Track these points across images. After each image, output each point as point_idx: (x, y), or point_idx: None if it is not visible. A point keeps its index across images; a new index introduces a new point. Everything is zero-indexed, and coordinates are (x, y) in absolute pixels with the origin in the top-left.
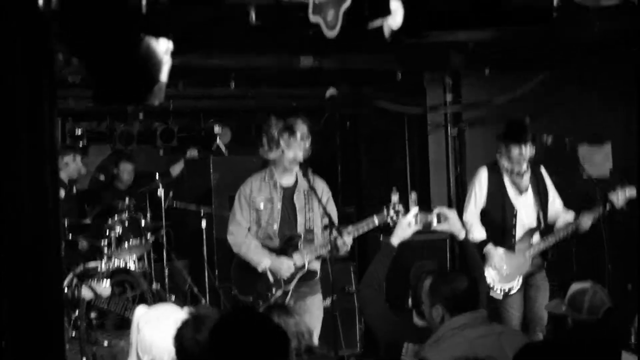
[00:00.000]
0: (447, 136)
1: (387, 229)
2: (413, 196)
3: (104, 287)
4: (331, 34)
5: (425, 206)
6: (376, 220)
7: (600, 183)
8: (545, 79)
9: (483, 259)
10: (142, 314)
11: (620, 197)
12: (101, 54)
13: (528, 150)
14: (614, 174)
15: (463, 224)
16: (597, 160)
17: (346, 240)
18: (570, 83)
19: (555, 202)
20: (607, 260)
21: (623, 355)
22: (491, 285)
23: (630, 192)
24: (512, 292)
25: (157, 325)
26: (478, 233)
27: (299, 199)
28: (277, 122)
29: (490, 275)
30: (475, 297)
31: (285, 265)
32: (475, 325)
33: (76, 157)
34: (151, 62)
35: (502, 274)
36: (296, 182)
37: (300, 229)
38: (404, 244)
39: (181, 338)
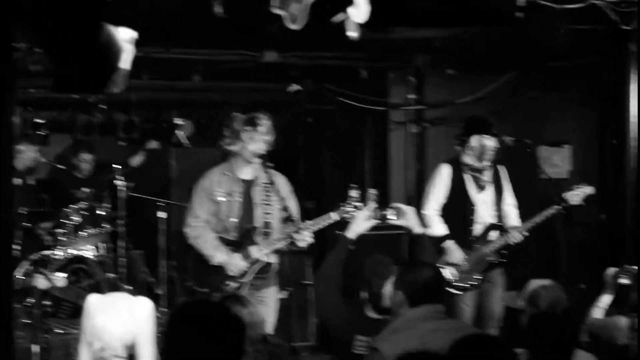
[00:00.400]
0: (408, 134)
1: (344, 223)
2: (372, 193)
3: (60, 277)
4: (294, 27)
5: (384, 203)
6: (334, 216)
7: (559, 184)
8: (509, 81)
9: (442, 253)
10: (93, 301)
11: (576, 194)
12: (62, 43)
13: (492, 144)
14: (572, 175)
15: (422, 219)
16: (556, 162)
17: (305, 235)
18: (533, 85)
19: (508, 200)
20: (561, 260)
21: (577, 353)
22: (451, 281)
23: (587, 189)
24: (472, 287)
25: (109, 313)
26: (438, 228)
27: (257, 193)
28: (241, 116)
29: (449, 271)
30: (437, 290)
31: (236, 266)
32: (431, 319)
33: (30, 146)
34: (112, 51)
35: (460, 269)
36: (255, 176)
37: (258, 222)
38: (360, 239)
39: None
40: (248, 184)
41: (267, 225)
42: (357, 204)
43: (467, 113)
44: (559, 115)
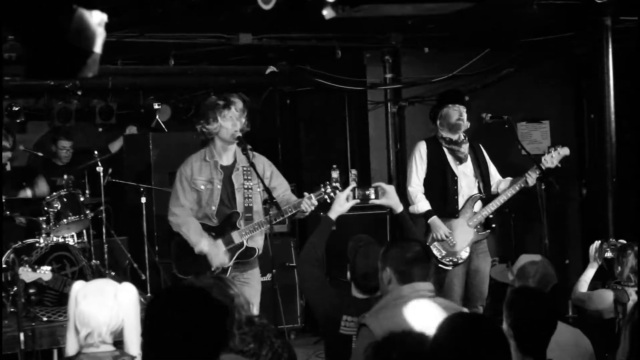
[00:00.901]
0: (387, 114)
1: (327, 205)
2: (353, 173)
3: (45, 272)
4: (267, 7)
5: (366, 182)
6: (314, 198)
7: (538, 159)
8: (484, 57)
9: (428, 230)
10: (79, 288)
11: (551, 156)
12: (32, 27)
13: (465, 115)
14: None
15: (406, 196)
16: (536, 138)
17: (313, 201)
18: (508, 62)
19: (495, 175)
20: (544, 235)
21: (560, 326)
22: (439, 257)
23: (563, 150)
24: (461, 261)
25: (95, 299)
26: (422, 204)
27: (237, 178)
28: (213, 98)
29: (437, 246)
30: (425, 266)
31: (220, 257)
32: (420, 297)
33: (9, 138)
34: (84, 35)
35: (449, 243)
36: (235, 160)
37: (239, 207)
38: (343, 219)
39: None
40: (228, 170)
41: (248, 209)
42: (337, 185)
43: (443, 91)
44: (535, 91)
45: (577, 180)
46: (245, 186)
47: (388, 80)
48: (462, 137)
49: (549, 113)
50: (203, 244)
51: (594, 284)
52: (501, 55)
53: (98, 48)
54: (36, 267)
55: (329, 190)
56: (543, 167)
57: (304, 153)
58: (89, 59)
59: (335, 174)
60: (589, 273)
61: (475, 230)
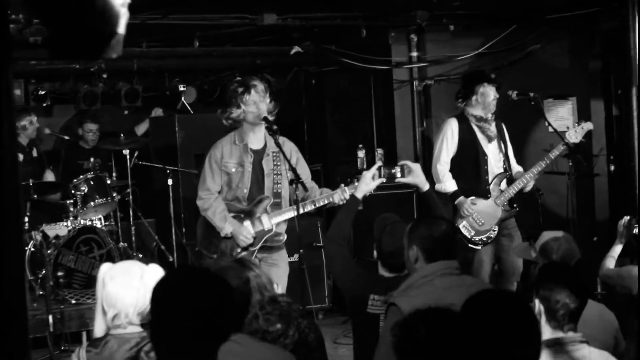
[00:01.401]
0: (413, 92)
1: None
2: (379, 152)
3: (61, 227)
4: None
5: (392, 161)
6: (347, 191)
7: (563, 135)
8: (510, 34)
9: (456, 210)
10: (107, 270)
11: (575, 132)
12: (56, 9)
13: (494, 92)
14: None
15: (433, 175)
16: (562, 115)
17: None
18: (534, 38)
19: (512, 156)
20: (572, 212)
21: (589, 303)
22: (469, 237)
23: (586, 125)
24: (490, 240)
25: (122, 280)
26: (449, 184)
27: (267, 163)
28: (234, 83)
29: (466, 226)
30: (451, 245)
31: (245, 238)
32: (446, 275)
33: (33, 119)
34: (108, 15)
35: (477, 223)
36: (265, 145)
37: (267, 192)
38: (369, 197)
39: None
40: (258, 155)
41: (277, 195)
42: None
43: (469, 69)
44: (562, 68)
45: (605, 157)
46: (275, 172)
47: (413, 58)
48: (491, 116)
49: (575, 89)
50: (227, 228)
51: (622, 261)
52: (527, 32)
53: (122, 29)
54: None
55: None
56: (568, 143)
57: (330, 133)
58: (112, 40)
59: (361, 154)
60: (617, 249)
61: (502, 208)
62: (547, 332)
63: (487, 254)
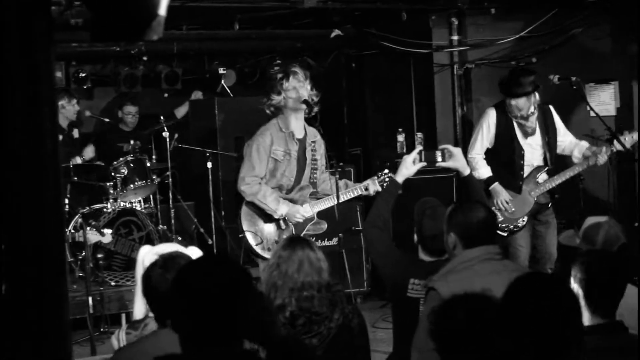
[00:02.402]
0: (453, 76)
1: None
2: (419, 136)
3: (106, 234)
4: None
5: (432, 146)
6: (369, 186)
7: (607, 121)
8: (552, 18)
9: (488, 196)
10: (146, 252)
11: (627, 139)
12: None
13: (527, 101)
14: (620, 112)
15: (468, 162)
16: (604, 99)
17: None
18: (576, 22)
19: (566, 137)
20: (613, 197)
21: (629, 290)
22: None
23: (635, 135)
24: (517, 230)
25: None
26: (484, 170)
27: (309, 153)
28: (275, 69)
29: (496, 212)
30: (490, 230)
31: (301, 212)
32: (488, 260)
33: (72, 100)
34: None
35: (508, 211)
36: (305, 134)
37: (305, 181)
38: (409, 182)
39: (149, 276)
40: (302, 143)
41: (314, 184)
42: (391, 175)
43: (511, 53)
44: (603, 51)
45: None
46: (314, 162)
47: (454, 42)
48: (530, 112)
49: (617, 74)
50: (282, 209)
51: None
52: (569, 16)
53: (163, 10)
54: (99, 229)
55: (387, 179)
56: (614, 150)
57: (370, 117)
58: (153, 22)
59: (400, 138)
60: None
61: (535, 199)
62: (586, 317)
63: (524, 239)
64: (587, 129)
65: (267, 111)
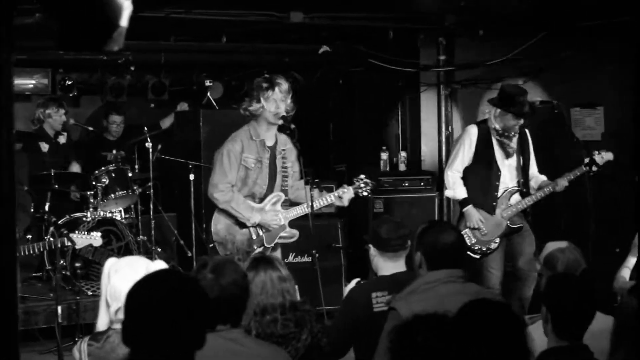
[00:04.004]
0: (439, 96)
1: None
2: (402, 155)
3: (96, 237)
4: None
5: (416, 164)
6: (343, 195)
7: (588, 147)
8: (540, 41)
9: (462, 216)
10: (112, 263)
11: (603, 156)
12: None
13: (519, 121)
14: (605, 138)
15: (444, 179)
16: (589, 124)
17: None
18: (565, 45)
19: (534, 165)
20: (591, 221)
21: (598, 315)
22: (469, 244)
23: (607, 155)
24: (489, 252)
25: (127, 274)
26: (460, 191)
27: (279, 160)
28: (259, 78)
29: (468, 233)
30: (457, 254)
31: (275, 219)
32: (450, 282)
33: (60, 110)
34: (111, 8)
35: (480, 233)
36: (276, 142)
37: (277, 189)
38: (392, 201)
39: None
40: (273, 151)
41: (285, 192)
42: (366, 180)
43: (497, 74)
44: (592, 76)
45: (633, 168)
46: (284, 169)
47: (441, 62)
48: (513, 133)
49: (605, 99)
50: (255, 216)
51: (635, 274)
52: (557, 40)
53: (124, 22)
54: (87, 232)
55: (362, 185)
56: (587, 170)
57: (357, 133)
58: (114, 33)
59: (384, 156)
60: (631, 261)
61: (507, 222)
62: (553, 341)
63: (496, 262)
64: (567, 153)
65: (242, 112)
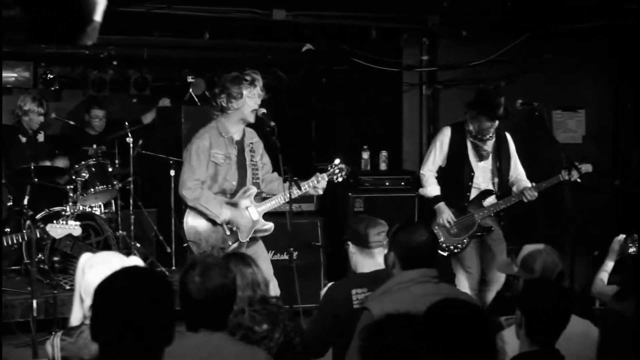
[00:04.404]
0: (421, 96)
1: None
2: (383, 154)
3: (74, 226)
4: None
5: (397, 164)
6: (317, 184)
7: (566, 150)
8: (523, 43)
9: (433, 214)
10: (87, 259)
11: (572, 173)
12: None
13: (494, 124)
14: (586, 140)
15: (419, 177)
16: (571, 127)
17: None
18: (547, 48)
19: (517, 168)
20: (569, 224)
21: (574, 319)
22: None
23: (585, 167)
24: (457, 251)
25: (101, 270)
26: (432, 188)
27: (248, 154)
28: (236, 74)
29: (438, 231)
30: (430, 254)
31: (246, 218)
32: (423, 282)
33: (39, 108)
34: (85, 2)
35: (449, 231)
36: (243, 135)
37: (248, 183)
38: (373, 200)
39: (185, 282)
40: (241, 145)
41: (256, 185)
42: (342, 166)
43: (480, 75)
44: (574, 79)
45: (612, 172)
46: (253, 163)
47: (424, 62)
48: (491, 134)
49: (586, 101)
50: (225, 214)
51: (612, 278)
52: (540, 42)
53: (98, 16)
54: (65, 222)
55: (337, 171)
56: (564, 179)
57: (338, 132)
58: (88, 27)
59: (365, 155)
60: (609, 265)
61: (479, 222)
62: (525, 345)
63: (472, 266)
64: (547, 156)
65: (216, 104)
